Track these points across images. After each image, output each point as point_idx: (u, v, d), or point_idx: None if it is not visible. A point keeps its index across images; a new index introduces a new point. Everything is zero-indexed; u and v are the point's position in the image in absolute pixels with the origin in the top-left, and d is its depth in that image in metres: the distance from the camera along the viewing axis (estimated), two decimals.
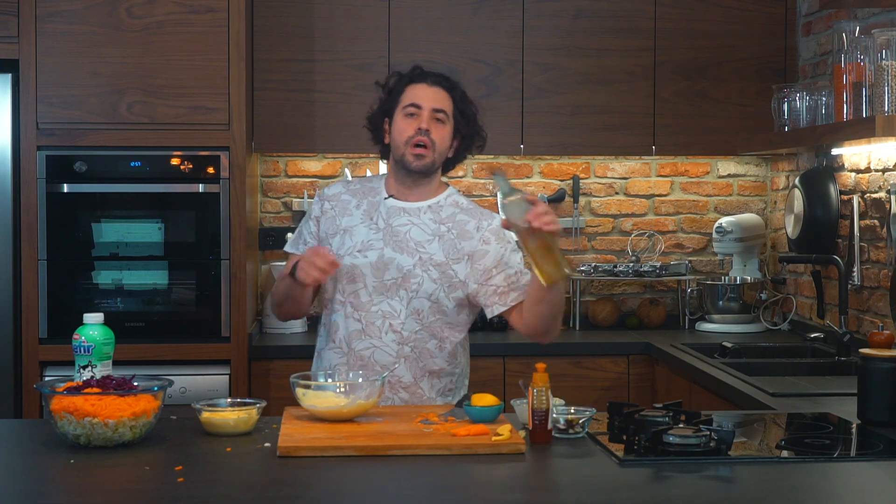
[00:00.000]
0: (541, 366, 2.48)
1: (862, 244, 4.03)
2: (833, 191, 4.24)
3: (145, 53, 4.17)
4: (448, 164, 3.07)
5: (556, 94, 4.62)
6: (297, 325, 4.53)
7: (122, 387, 2.47)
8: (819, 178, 4.33)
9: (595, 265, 4.87)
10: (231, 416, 2.55)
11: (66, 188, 4.18)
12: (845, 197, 4.18)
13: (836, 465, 2.37)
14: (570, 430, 2.51)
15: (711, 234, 4.92)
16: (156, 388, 2.48)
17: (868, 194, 4.01)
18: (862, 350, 2.75)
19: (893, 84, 3.27)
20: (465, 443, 2.40)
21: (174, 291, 4.25)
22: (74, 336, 2.66)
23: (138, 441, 2.45)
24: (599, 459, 2.34)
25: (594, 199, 5.01)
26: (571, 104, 4.63)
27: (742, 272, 4.84)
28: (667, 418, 2.46)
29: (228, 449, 2.43)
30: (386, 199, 3.01)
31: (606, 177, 5.01)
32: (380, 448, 2.38)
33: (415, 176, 2.98)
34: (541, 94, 4.61)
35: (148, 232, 4.23)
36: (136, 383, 2.51)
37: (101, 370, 2.63)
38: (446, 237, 2.96)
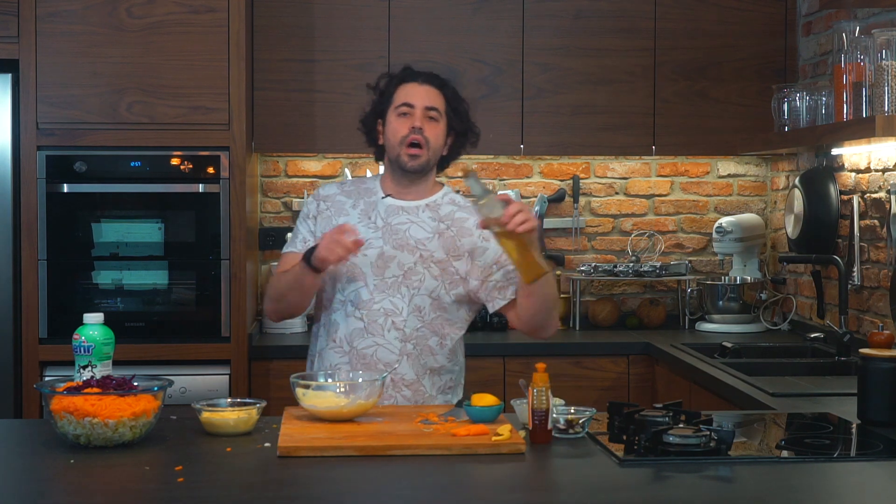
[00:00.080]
0: (541, 366, 2.48)
1: (862, 244, 4.03)
2: (833, 191, 4.24)
3: (145, 53, 4.17)
4: (443, 162, 3.08)
5: (556, 94, 4.62)
6: (297, 326, 4.53)
7: (122, 387, 2.47)
8: (819, 178, 4.33)
9: (595, 265, 4.87)
10: (231, 416, 2.55)
11: (66, 188, 4.18)
12: (845, 197, 4.18)
13: (836, 465, 2.37)
14: (570, 430, 2.51)
15: (711, 234, 4.92)
16: (156, 388, 2.48)
17: (868, 194, 4.01)
18: (862, 350, 2.75)
19: (893, 84, 3.27)
20: (465, 443, 2.40)
21: (174, 291, 4.25)
22: (74, 336, 2.66)
23: (138, 441, 2.45)
24: (599, 459, 2.34)
25: (594, 199, 5.01)
26: (571, 104, 4.63)
27: (742, 272, 4.84)
28: (667, 418, 2.46)
29: (228, 449, 2.42)
30: (383, 198, 3.02)
31: (606, 177, 5.01)
32: (380, 448, 2.38)
33: (411, 175, 2.99)
34: (541, 94, 4.61)
35: (148, 232, 4.23)
36: (136, 383, 2.51)
37: (101, 370, 2.63)
38: (446, 234, 2.97)
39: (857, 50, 3.41)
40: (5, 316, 4.15)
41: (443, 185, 3.11)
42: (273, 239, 4.79)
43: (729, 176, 5.05)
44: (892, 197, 3.76)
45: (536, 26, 4.61)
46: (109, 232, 4.21)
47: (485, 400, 2.57)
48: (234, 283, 4.20)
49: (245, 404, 2.60)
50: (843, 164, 4.22)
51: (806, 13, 4.60)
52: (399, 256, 2.93)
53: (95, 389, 2.45)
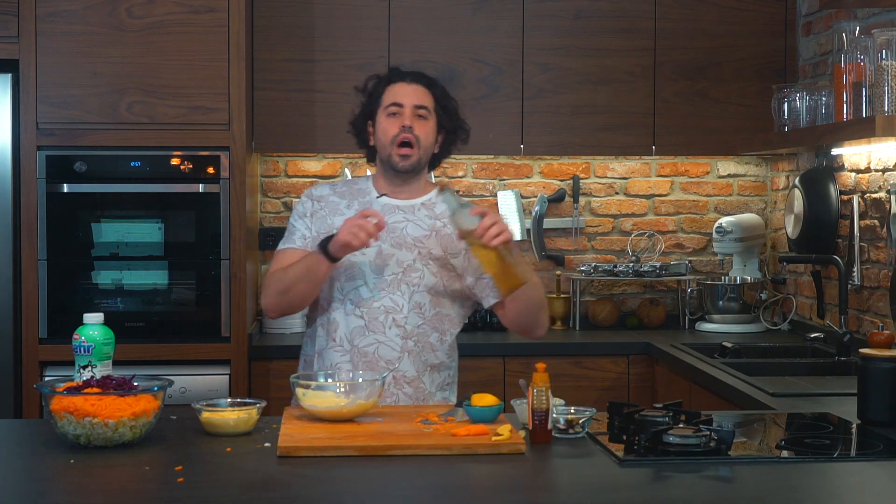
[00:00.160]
0: (541, 366, 2.48)
1: (862, 244, 4.03)
2: (833, 191, 4.24)
3: (145, 53, 4.17)
4: (434, 160, 3.10)
5: (556, 94, 4.62)
6: (297, 326, 4.53)
7: (122, 387, 2.47)
8: (819, 178, 4.33)
9: (595, 265, 4.87)
10: (231, 416, 2.55)
11: (66, 188, 4.18)
12: (845, 197, 4.18)
13: (836, 465, 2.37)
14: (570, 430, 2.51)
15: (711, 234, 4.92)
16: (156, 388, 2.48)
17: (868, 194, 4.01)
18: (862, 350, 2.75)
19: (893, 84, 3.27)
20: (465, 443, 2.40)
21: (174, 291, 4.25)
22: (74, 336, 2.65)
23: (138, 441, 2.45)
24: (599, 459, 2.34)
25: (594, 199, 5.01)
26: (571, 104, 4.63)
27: (742, 272, 4.84)
28: (667, 418, 2.46)
29: (228, 449, 2.42)
30: (378, 197, 3.03)
31: (606, 177, 5.01)
32: (380, 448, 2.38)
33: (403, 175, 3.01)
34: (541, 94, 4.61)
35: (148, 232, 4.23)
36: (136, 383, 2.51)
37: (101, 370, 2.63)
38: (442, 232, 2.99)
39: (857, 50, 3.41)
40: (5, 316, 4.15)
41: (435, 184, 3.13)
42: (273, 239, 4.79)
43: (729, 176, 5.05)
44: (892, 197, 3.76)
45: (536, 26, 4.61)
46: (109, 232, 4.21)
47: (485, 400, 2.57)
48: (234, 283, 4.20)
49: (245, 404, 2.60)
50: (843, 164, 4.22)
51: (806, 13, 4.60)
52: (397, 254, 2.94)
53: (95, 389, 2.44)
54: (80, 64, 4.16)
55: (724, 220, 4.80)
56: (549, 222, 4.95)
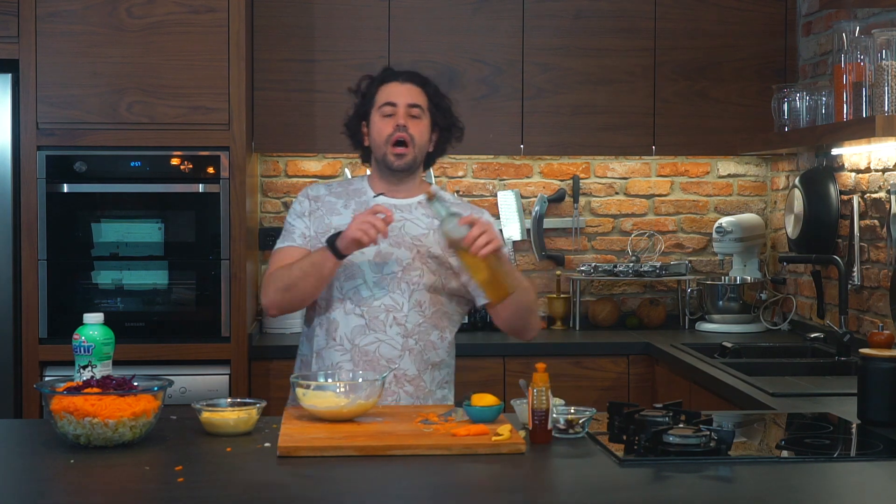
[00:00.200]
0: (541, 366, 2.48)
1: (862, 244, 4.03)
2: (833, 191, 4.25)
3: (145, 53, 4.17)
4: (429, 159, 3.11)
5: (556, 94, 4.62)
6: (297, 325, 4.52)
7: (122, 387, 2.47)
8: (819, 178, 4.33)
9: (595, 265, 4.87)
10: (231, 416, 2.55)
11: (66, 188, 4.18)
12: (845, 197, 4.18)
13: (836, 465, 2.37)
14: (570, 430, 2.51)
15: (711, 234, 4.92)
16: (156, 388, 2.48)
17: (868, 194, 4.01)
18: (862, 350, 2.75)
19: (893, 84, 3.27)
20: (465, 443, 2.40)
21: (174, 291, 4.25)
22: (74, 336, 2.65)
23: (138, 441, 2.45)
24: (599, 459, 2.34)
25: (594, 199, 5.01)
26: (571, 104, 4.63)
27: (742, 272, 4.84)
28: (667, 418, 2.46)
29: (228, 449, 2.42)
30: (376, 196, 3.04)
31: (606, 177, 5.01)
32: (380, 448, 2.38)
33: (399, 174, 3.02)
34: (541, 94, 4.61)
35: (148, 232, 4.23)
36: (136, 383, 2.51)
37: (101, 370, 2.63)
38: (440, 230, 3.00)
39: (857, 50, 3.41)
40: (5, 316, 4.15)
41: (431, 183, 3.13)
42: (273, 239, 4.74)
43: (729, 176, 5.05)
44: (892, 197, 3.76)
45: (536, 26, 4.61)
46: (109, 232, 4.21)
47: (485, 400, 2.57)
48: (234, 283, 4.20)
49: (245, 404, 2.60)
50: (843, 164, 4.22)
51: (806, 13, 4.60)
52: (396, 253, 2.95)
53: (95, 389, 2.45)
54: (80, 64, 4.16)
55: (724, 220, 4.80)
56: (549, 222, 4.95)
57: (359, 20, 4.55)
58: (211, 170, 4.21)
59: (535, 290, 3.04)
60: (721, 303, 4.75)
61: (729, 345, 4.08)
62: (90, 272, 4.20)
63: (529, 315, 3.01)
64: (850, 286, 4.02)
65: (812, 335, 4.17)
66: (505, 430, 2.45)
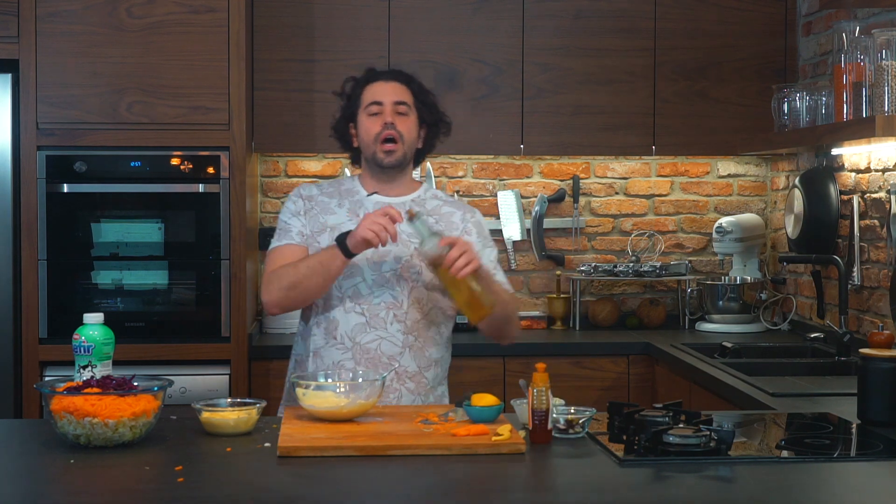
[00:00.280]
0: (541, 366, 2.48)
1: (862, 244, 4.03)
2: (833, 191, 4.25)
3: (145, 53, 4.17)
4: (419, 156, 3.12)
5: (556, 94, 4.62)
6: (297, 325, 4.51)
7: (122, 387, 2.47)
8: (819, 178, 4.33)
9: (595, 265, 4.87)
10: (231, 416, 2.55)
11: (66, 188, 4.18)
12: (845, 197, 4.18)
13: (836, 465, 2.37)
14: (570, 430, 2.51)
15: (711, 234, 4.92)
16: (156, 388, 2.48)
17: (868, 194, 4.01)
18: (862, 350, 2.75)
19: (893, 84, 3.27)
20: (465, 443, 2.40)
21: (174, 291, 4.25)
22: (74, 336, 2.65)
23: (138, 441, 2.45)
24: (599, 459, 2.34)
25: (594, 199, 5.01)
26: (571, 104, 4.63)
27: (742, 272, 4.84)
28: (667, 418, 2.46)
29: (228, 449, 2.42)
30: (369, 195, 3.05)
31: (606, 177, 5.01)
32: (380, 448, 2.38)
33: (390, 171, 3.03)
34: (541, 94, 4.61)
35: (148, 232, 4.23)
36: (136, 383, 2.51)
37: (101, 370, 2.63)
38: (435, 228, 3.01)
39: (857, 50, 3.41)
40: (5, 316, 4.15)
41: (422, 182, 3.15)
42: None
43: (729, 176, 5.05)
44: (892, 197, 3.76)
45: (536, 26, 4.61)
46: (109, 232, 4.21)
47: (485, 400, 2.57)
48: (234, 283, 4.20)
49: (245, 404, 2.60)
50: (843, 164, 4.22)
51: (806, 13, 4.60)
52: (394, 250, 2.95)
53: (95, 389, 2.45)
54: (80, 64, 4.16)
55: (724, 220, 4.80)
56: (549, 222, 4.95)
57: (359, 20, 4.55)
58: (211, 170, 4.21)
59: (515, 301, 3.07)
60: (721, 303, 4.75)
61: (729, 345, 4.08)
62: (90, 272, 4.20)
63: (506, 325, 3.02)
64: (850, 286, 4.02)
65: (812, 335, 4.17)
66: (505, 430, 2.45)
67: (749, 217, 4.88)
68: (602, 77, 4.64)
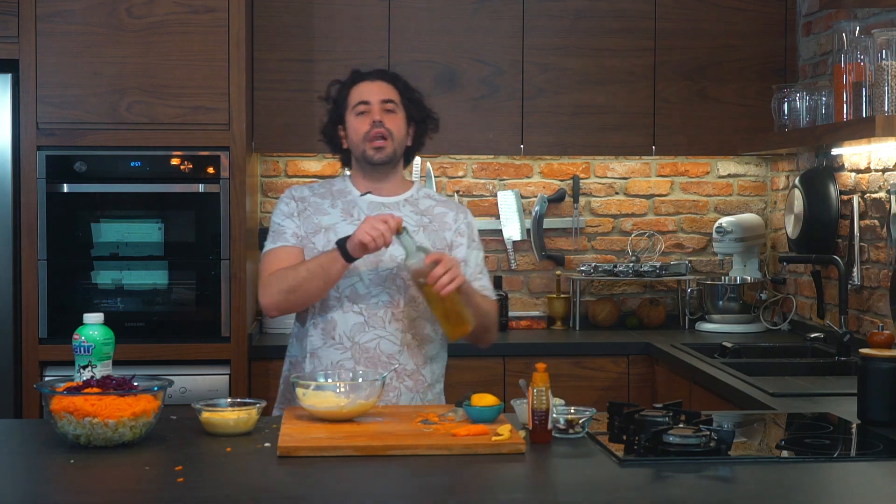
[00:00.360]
0: (541, 366, 2.48)
1: (862, 244, 4.03)
2: (833, 191, 4.25)
3: (145, 53, 4.17)
4: (409, 154, 3.13)
5: (556, 94, 4.62)
6: (292, 327, 4.51)
7: (122, 387, 2.47)
8: (819, 178, 4.33)
9: (595, 265, 4.87)
10: (231, 416, 2.55)
11: (66, 188, 4.18)
12: (845, 197, 4.18)
13: (836, 465, 2.37)
14: (570, 430, 2.51)
15: (711, 234, 4.92)
16: (156, 388, 2.48)
17: (868, 194, 4.01)
18: (862, 350, 2.75)
19: (893, 84, 3.27)
20: (465, 443, 2.40)
21: (174, 291, 4.25)
22: (74, 336, 2.65)
23: (138, 441, 2.45)
24: (599, 459, 2.34)
25: (594, 199, 5.01)
26: (571, 104, 4.63)
27: (742, 272, 4.84)
28: (667, 418, 2.46)
29: (228, 449, 2.42)
30: (363, 195, 3.05)
31: (606, 177, 5.01)
32: (380, 448, 2.38)
33: (381, 169, 3.04)
34: (541, 94, 4.61)
35: (148, 232, 4.23)
36: (136, 383, 2.51)
37: (101, 370, 2.63)
38: (430, 228, 3.04)
39: (857, 50, 3.41)
40: (5, 316, 4.15)
41: (413, 182, 3.17)
42: None
43: (729, 176, 5.05)
44: (892, 197, 3.76)
45: (536, 26, 4.61)
46: (109, 232, 4.21)
47: (485, 400, 2.57)
48: (234, 283, 4.20)
49: (245, 404, 2.60)
50: (843, 164, 4.22)
51: (806, 13, 4.60)
52: (390, 249, 2.95)
53: (95, 389, 2.45)
54: (80, 64, 4.16)
55: (724, 220, 4.80)
56: (549, 222, 4.95)
57: (359, 20, 4.55)
58: (211, 170, 4.21)
59: (494, 308, 3.09)
60: (721, 303, 4.75)
61: (729, 345, 4.08)
62: (90, 272, 4.20)
63: (484, 333, 3.04)
64: (850, 286, 4.02)
65: (812, 335, 4.17)
66: (505, 430, 2.45)
67: (749, 217, 4.88)
68: (602, 77, 4.64)
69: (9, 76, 4.14)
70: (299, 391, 2.61)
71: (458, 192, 4.92)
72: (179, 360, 4.16)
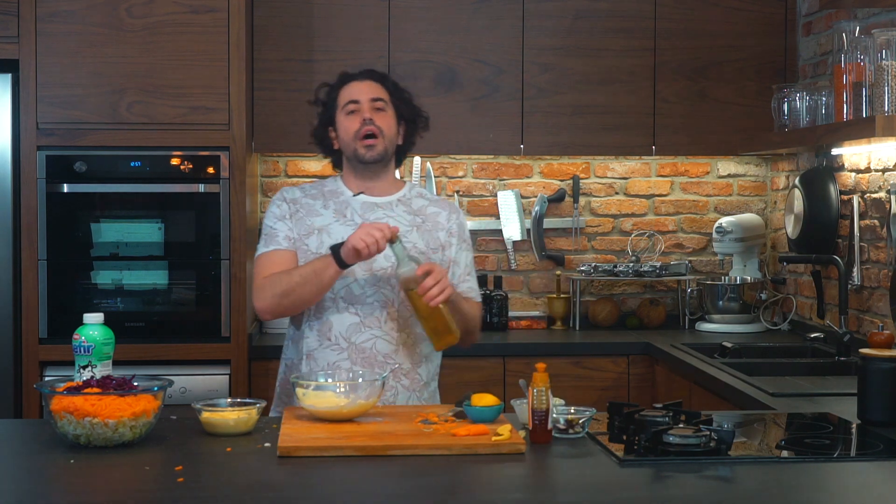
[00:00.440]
0: (541, 366, 2.48)
1: (862, 244, 4.03)
2: (833, 191, 4.24)
3: (145, 53, 4.17)
4: (400, 153, 3.13)
5: (556, 94, 4.62)
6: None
7: (122, 387, 2.47)
8: (819, 178, 4.33)
9: (595, 265, 4.87)
10: (231, 416, 2.55)
11: (66, 188, 4.18)
12: (845, 197, 4.18)
13: (836, 465, 2.37)
14: (570, 430, 2.51)
15: (711, 234, 4.92)
16: (156, 388, 2.48)
17: (868, 194, 4.01)
18: (862, 350, 2.75)
19: (893, 84, 3.27)
20: (465, 443, 2.40)
21: (174, 291, 4.25)
22: (74, 336, 2.65)
23: (138, 441, 2.45)
24: (599, 459, 2.34)
25: (594, 199, 5.01)
26: (571, 104, 4.63)
27: (742, 272, 4.84)
28: (667, 418, 2.46)
29: (228, 449, 2.43)
30: (356, 195, 3.05)
31: (606, 177, 5.01)
32: (380, 448, 2.38)
33: (373, 167, 3.04)
34: (541, 94, 4.61)
35: (148, 232, 4.23)
36: (136, 383, 2.51)
37: (101, 370, 2.63)
38: (423, 227, 3.05)
39: (857, 50, 3.41)
40: (5, 316, 4.15)
41: (406, 182, 3.17)
42: None
43: (729, 176, 5.05)
44: (892, 197, 3.76)
45: (536, 26, 4.61)
46: (109, 232, 4.21)
47: (485, 400, 2.57)
48: (234, 283, 4.20)
49: (245, 404, 2.60)
50: (843, 164, 4.22)
51: (806, 13, 4.60)
52: (383, 253, 2.94)
53: (95, 389, 2.45)
54: (80, 64, 4.16)
55: (724, 220, 4.80)
56: (549, 222, 4.95)
57: (359, 20, 4.55)
58: (211, 170, 4.21)
59: (479, 312, 3.10)
60: (721, 303, 4.75)
61: (729, 345, 4.08)
62: (90, 272, 4.20)
63: (467, 335, 3.03)
64: (850, 286, 4.02)
65: (812, 335, 4.17)
66: (505, 430, 2.45)
67: (749, 217, 4.88)
68: (602, 77, 4.64)
69: (9, 76, 4.14)
70: (299, 391, 2.61)
71: (458, 192, 4.92)
72: (179, 360, 4.16)
